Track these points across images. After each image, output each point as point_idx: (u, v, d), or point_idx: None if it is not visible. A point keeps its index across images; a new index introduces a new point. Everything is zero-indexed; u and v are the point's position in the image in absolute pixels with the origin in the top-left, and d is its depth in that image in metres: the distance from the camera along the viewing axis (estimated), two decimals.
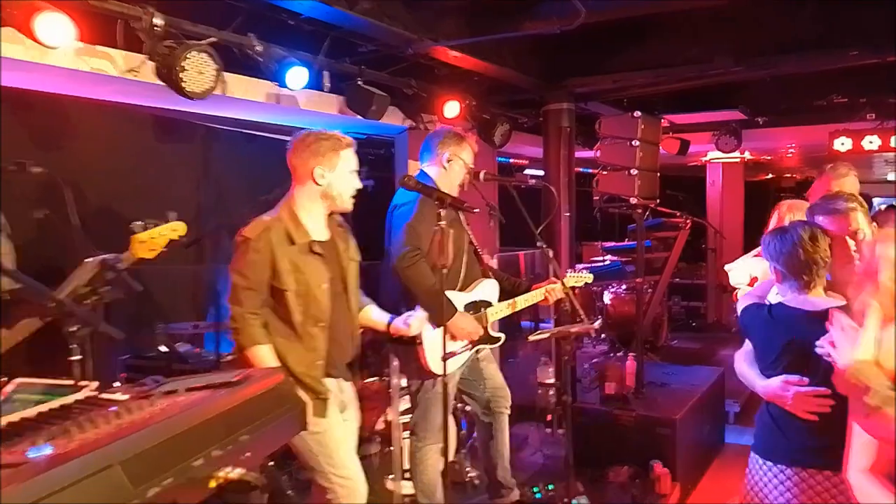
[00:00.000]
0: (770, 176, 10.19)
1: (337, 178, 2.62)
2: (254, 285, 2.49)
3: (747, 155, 8.83)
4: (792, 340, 2.19)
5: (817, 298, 2.19)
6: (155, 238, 2.57)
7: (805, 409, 2.12)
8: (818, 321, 2.07)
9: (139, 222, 2.56)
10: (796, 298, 2.22)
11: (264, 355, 2.49)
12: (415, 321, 2.82)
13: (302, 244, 2.56)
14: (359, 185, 2.70)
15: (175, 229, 2.63)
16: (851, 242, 2.24)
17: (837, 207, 2.29)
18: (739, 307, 2.49)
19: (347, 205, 2.68)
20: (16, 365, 2.47)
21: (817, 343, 2.00)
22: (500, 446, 3.57)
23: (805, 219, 2.39)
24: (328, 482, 2.59)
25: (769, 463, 2.24)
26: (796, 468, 2.17)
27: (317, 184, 2.60)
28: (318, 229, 2.65)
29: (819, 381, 2.09)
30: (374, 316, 2.89)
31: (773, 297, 2.37)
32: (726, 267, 3.64)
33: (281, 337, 2.55)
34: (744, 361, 2.40)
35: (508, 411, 3.57)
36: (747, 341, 2.45)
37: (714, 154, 8.41)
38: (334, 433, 2.62)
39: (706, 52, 4.68)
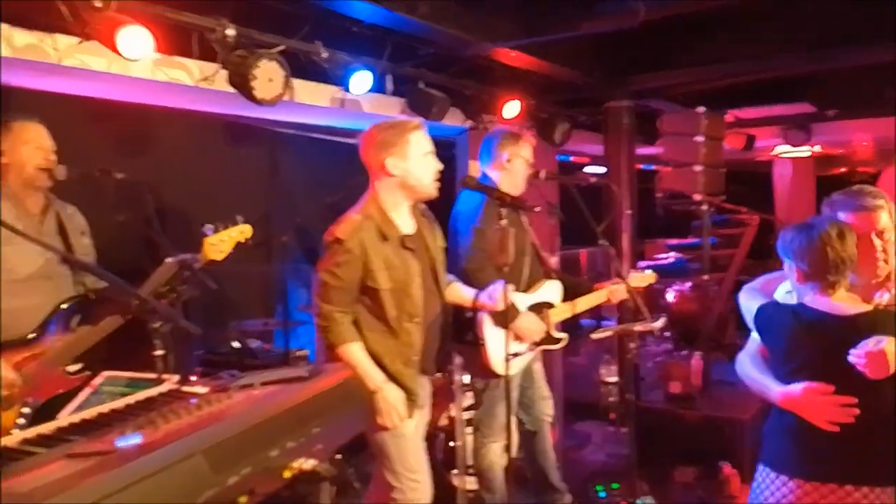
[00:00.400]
0: (843, 170, 9.74)
1: (412, 164, 2.53)
2: (346, 284, 2.46)
3: (818, 149, 8.49)
4: (819, 346, 2.04)
5: (843, 303, 2.04)
6: (224, 241, 2.65)
7: (828, 419, 1.98)
8: (848, 327, 1.97)
9: (210, 225, 2.65)
10: (819, 300, 2.06)
11: (354, 352, 2.47)
12: (498, 294, 2.71)
13: (394, 240, 2.52)
14: (438, 165, 2.60)
15: (242, 232, 2.70)
16: (878, 242, 2.08)
17: (864, 204, 2.11)
18: (748, 305, 2.29)
19: (430, 189, 2.60)
20: (96, 359, 2.64)
21: (851, 352, 1.87)
22: (548, 452, 3.57)
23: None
24: (398, 482, 2.57)
25: (783, 477, 2.08)
26: (815, 482, 2.02)
27: (392, 175, 2.53)
28: (405, 222, 2.60)
29: (845, 390, 1.97)
30: (462, 292, 2.86)
31: (783, 297, 2.22)
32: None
33: (375, 333, 2.52)
34: (751, 365, 2.23)
35: (550, 419, 3.57)
36: (751, 342, 2.28)
37: (783, 148, 8.12)
38: (415, 437, 2.61)
39: (772, 45, 4.53)
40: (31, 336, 2.54)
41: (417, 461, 2.61)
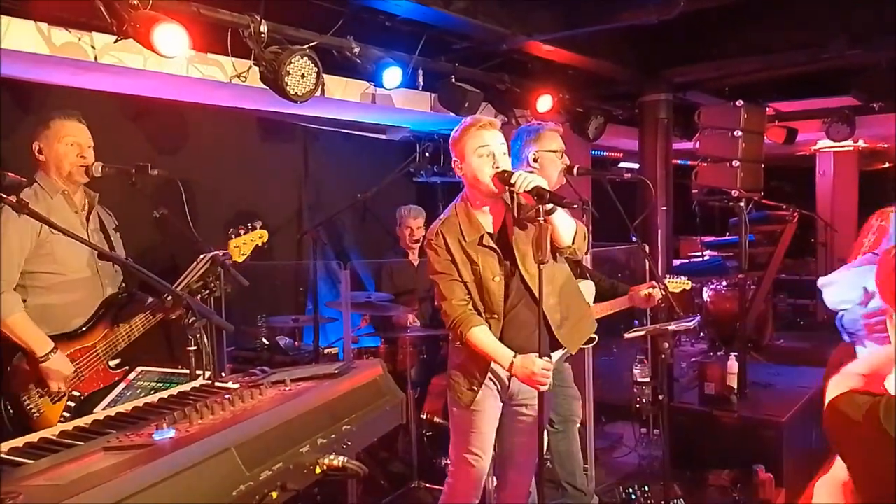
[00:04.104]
0: (887, 165, 9.48)
1: (468, 165, 2.53)
2: (454, 276, 2.55)
3: (861, 143, 8.28)
4: None
5: None
6: (246, 244, 2.74)
7: None
8: None
9: (233, 229, 2.74)
10: None
11: (479, 333, 2.52)
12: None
13: (472, 240, 2.56)
14: (489, 170, 2.50)
15: (261, 236, 2.79)
16: None
17: None
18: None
19: (489, 187, 2.51)
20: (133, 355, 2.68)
21: None
22: (575, 453, 3.51)
23: None
24: (455, 455, 2.68)
25: None
26: None
27: (459, 174, 2.60)
28: (489, 220, 2.62)
29: None
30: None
31: None
32: (820, 282, 2.80)
33: None
34: None
35: (579, 422, 3.52)
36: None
37: (825, 143, 7.93)
38: (485, 417, 2.64)
39: (818, 35, 4.41)
40: (80, 330, 2.60)
41: (481, 441, 2.66)
